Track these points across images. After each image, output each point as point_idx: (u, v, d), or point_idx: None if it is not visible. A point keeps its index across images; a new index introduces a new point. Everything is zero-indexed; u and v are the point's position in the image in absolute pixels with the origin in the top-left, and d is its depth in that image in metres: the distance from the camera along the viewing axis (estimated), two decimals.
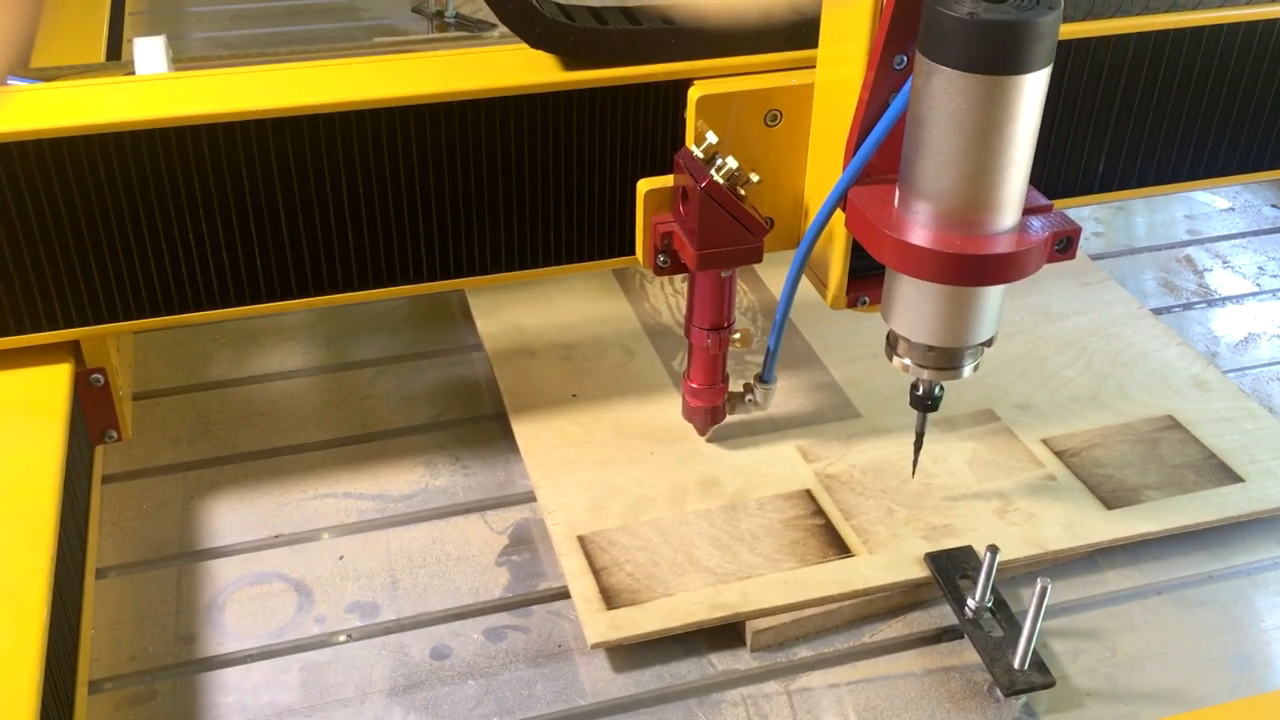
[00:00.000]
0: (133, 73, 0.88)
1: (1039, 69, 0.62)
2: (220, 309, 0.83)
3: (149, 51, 0.86)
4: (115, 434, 0.88)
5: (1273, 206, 1.28)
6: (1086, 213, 1.25)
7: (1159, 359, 1.00)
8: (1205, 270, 1.18)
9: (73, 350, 0.84)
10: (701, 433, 0.91)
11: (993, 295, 0.70)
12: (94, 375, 0.85)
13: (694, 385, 0.87)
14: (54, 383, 0.81)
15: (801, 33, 0.81)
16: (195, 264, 0.81)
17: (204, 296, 0.82)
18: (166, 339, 1.04)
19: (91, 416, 0.86)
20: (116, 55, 1.25)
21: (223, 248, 0.81)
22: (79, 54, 1.18)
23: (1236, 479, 0.88)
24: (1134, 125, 0.92)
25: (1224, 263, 1.19)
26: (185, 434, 0.94)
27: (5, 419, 0.79)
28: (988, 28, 0.60)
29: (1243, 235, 1.23)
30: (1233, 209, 1.28)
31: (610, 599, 0.78)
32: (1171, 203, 1.28)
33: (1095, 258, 1.17)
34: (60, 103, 0.76)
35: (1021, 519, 0.84)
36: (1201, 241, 1.22)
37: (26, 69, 0.95)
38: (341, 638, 0.78)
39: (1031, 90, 0.62)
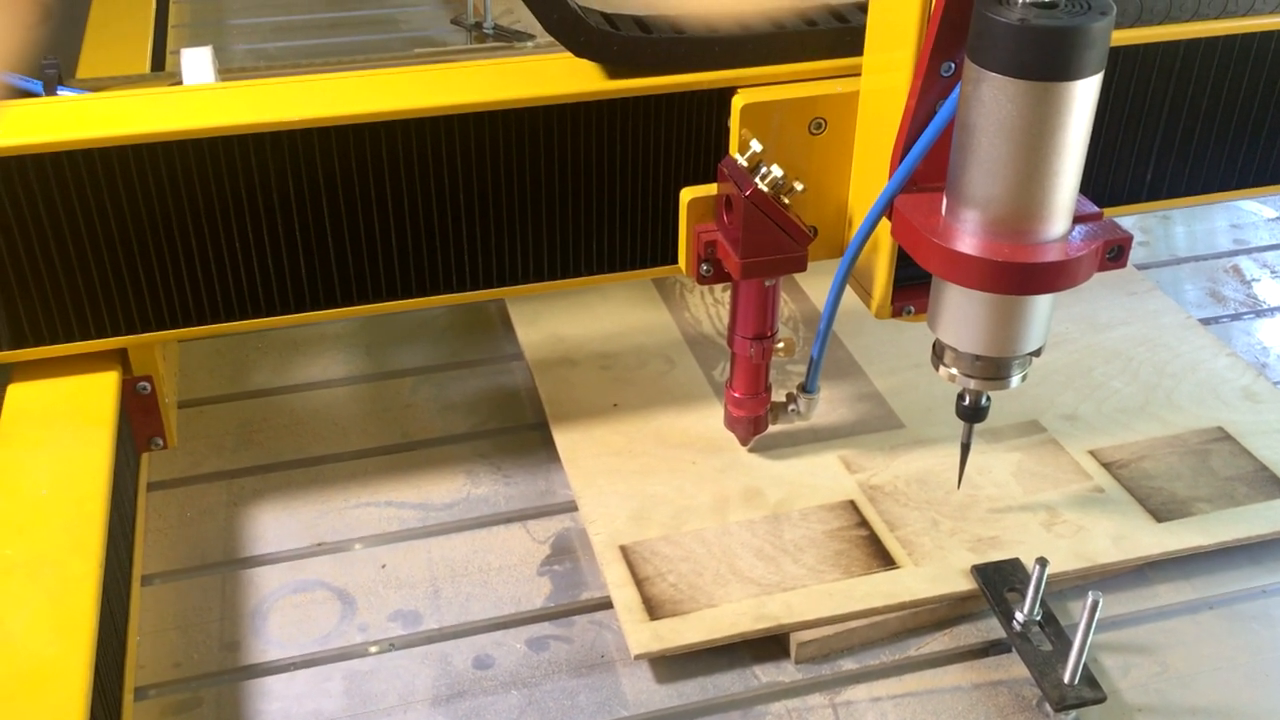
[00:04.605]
0: (180, 83, 0.89)
1: (1090, 75, 0.61)
2: (265, 317, 0.83)
3: (196, 62, 0.87)
4: (161, 441, 0.89)
5: None
6: (1130, 222, 1.23)
7: (1208, 370, 0.98)
8: (1253, 280, 1.16)
9: (120, 358, 0.85)
10: (744, 443, 0.90)
11: (1042, 304, 0.69)
12: (141, 383, 0.86)
13: (737, 395, 0.87)
14: (102, 390, 0.82)
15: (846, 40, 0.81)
16: (241, 273, 0.81)
17: (249, 305, 0.83)
18: (209, 348, 1.05)
19: (138, 424, 0.87)
20: (161, 67, 1.26)
21: (268, 257, 0.81)
22: (124, 66, 1.19)
23: None
24: (1183, 133, 0.91)
25: (1272, 273, 1.17)
26: (229, 442, 0.95)
27: (55, 426, 0.79)
28: (1039, 33, 0.60)
29: None
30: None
31: (653, 609, 0.77)
32: (1213, 212, 1.27)
33: (1140, 267, 1.16)
34: (109, 112, 0.77)
35: (1069, 531, 0.83)
36: (1249, 251, 1.21)
37: (74, 79, 0.96)
38: (383, 646, 0.78)
39: (1083, 96, 0.62)
